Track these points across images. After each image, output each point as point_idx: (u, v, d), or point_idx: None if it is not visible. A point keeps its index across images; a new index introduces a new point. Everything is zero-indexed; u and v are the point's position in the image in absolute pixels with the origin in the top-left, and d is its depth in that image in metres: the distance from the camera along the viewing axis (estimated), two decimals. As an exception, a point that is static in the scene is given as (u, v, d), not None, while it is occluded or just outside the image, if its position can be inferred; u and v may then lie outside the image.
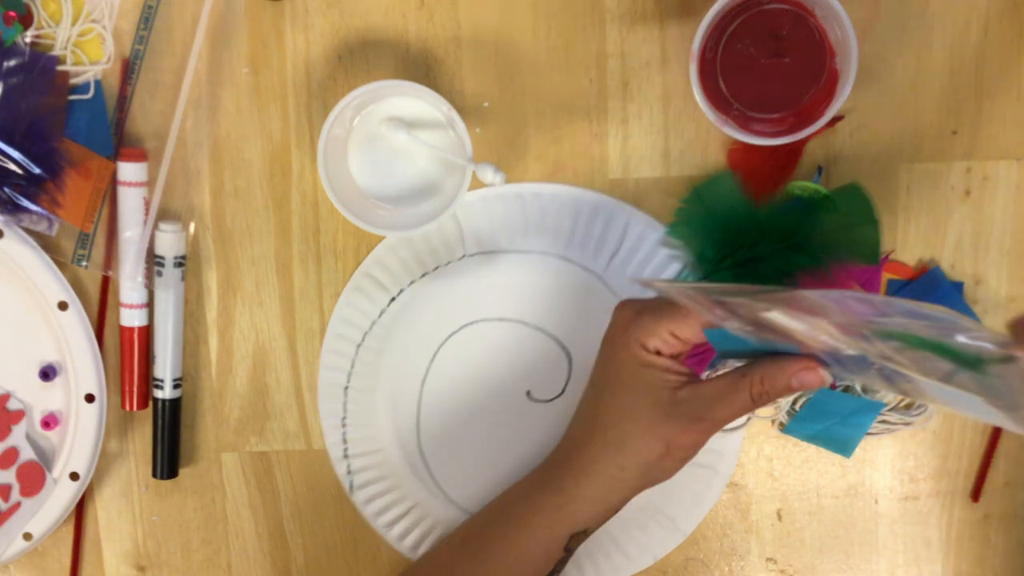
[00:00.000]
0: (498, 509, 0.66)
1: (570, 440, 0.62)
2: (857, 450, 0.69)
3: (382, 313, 0.70)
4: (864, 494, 0.71)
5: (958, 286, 0.68)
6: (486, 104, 0.68)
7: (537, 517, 0.61)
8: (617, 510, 0.61)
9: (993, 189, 0.67)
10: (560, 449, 0.63)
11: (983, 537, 0.71)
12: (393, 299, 0.70)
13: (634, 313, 0.58)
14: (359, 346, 0.71)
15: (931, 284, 0.68)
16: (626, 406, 0.58)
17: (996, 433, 0.69)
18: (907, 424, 0.69)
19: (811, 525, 0.72)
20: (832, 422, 0.68)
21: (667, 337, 0.57)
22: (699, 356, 0.68)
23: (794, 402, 0.69)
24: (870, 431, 0.68)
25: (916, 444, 0.70)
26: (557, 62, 0.67)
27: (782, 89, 0.64)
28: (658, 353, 0.57)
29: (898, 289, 0.68)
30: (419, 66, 0.68)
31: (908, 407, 0.69)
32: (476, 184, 0.65)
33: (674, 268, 0.68)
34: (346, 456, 0.72)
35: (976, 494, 0.70)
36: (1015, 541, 0.71)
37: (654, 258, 0.68)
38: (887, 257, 0.68)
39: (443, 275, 0.69)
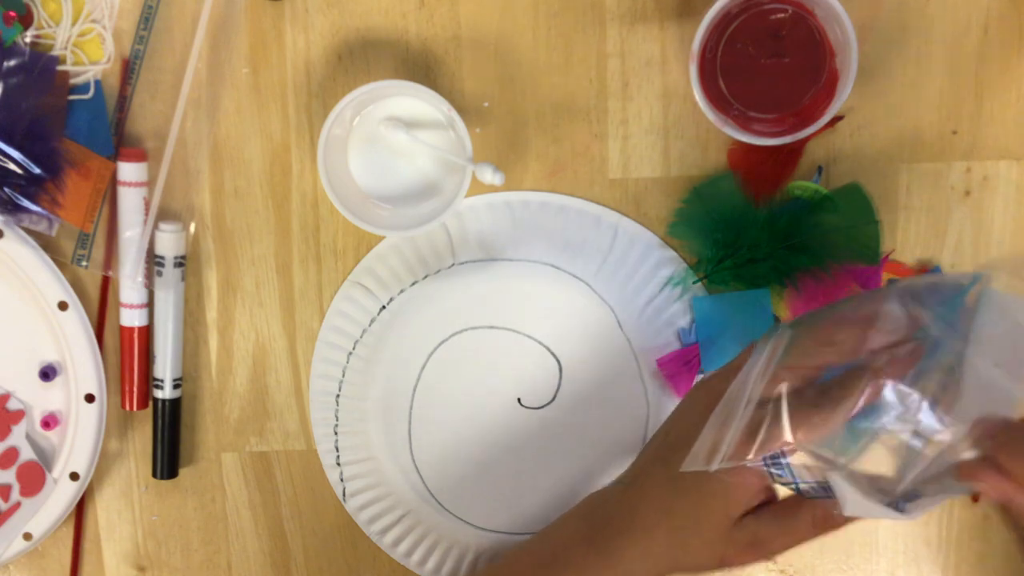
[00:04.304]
0: (537, 563, 0.63)
1: (627, 506, 0.60)
2: (857, 450, 0.69)
3: (372, 322, 0.70)
4: (864, 494, 0.71)
5: (958, 286, 0.68)
6: (486, 104, 0.68)
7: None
8: None
9: (993, 189, 0.67)
10: (610, 505, 0.61)
11: (983, 537, 0.71)
12: (383, 307, 0.70)
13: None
14: (350, 354, 0.71)
15: (931, 284, 0.68)
16: (698, 513, 0.57)
17: (996, 433, 0.69)
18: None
19: (811, 525, 0.72)
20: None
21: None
22: (685, 362, 0.69)
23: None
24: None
25: (916, 444, 0.70)
26: (557, 62, 0.67)
27: (782, 89, 0.64)
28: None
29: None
30: (419, 66, 0.68)
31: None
32: (475, 185, 0.65)
33: (663, 275, 0.68)
34: (338, 464, 0.72)
35: (976, 494, 0.70)
36: (1015, 541, 0.71)
37: (643, 265, 0.68)
38: (887, 257, 0.68)
39: (433, 284, 0.69)
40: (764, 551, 0.57)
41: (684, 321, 0.69)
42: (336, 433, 0.72)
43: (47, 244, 0.69)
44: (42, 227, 0.69)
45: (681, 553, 0.58)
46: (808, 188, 0.66)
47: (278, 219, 0.70)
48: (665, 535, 0.58)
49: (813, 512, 0.55)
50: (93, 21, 0.67)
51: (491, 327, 0.69)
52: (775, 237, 0.66)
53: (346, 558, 0.74)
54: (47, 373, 0.71)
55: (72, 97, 0.68)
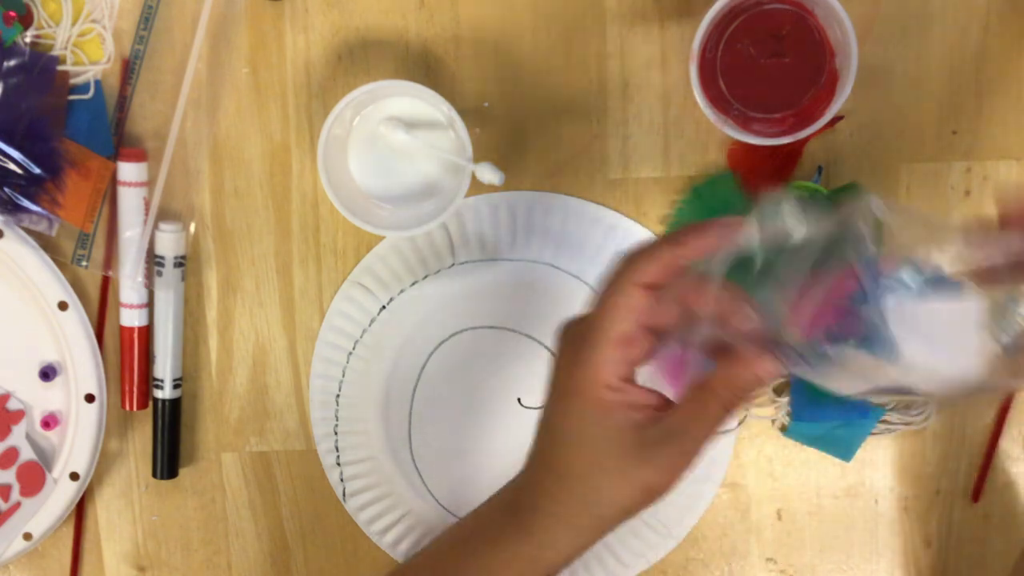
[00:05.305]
0: (460, 558, 0.57)
1: (537, 486, 0.54)
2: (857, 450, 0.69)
3: (372, 321, 0.70)
4: (864, 494, 0.71)
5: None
6: (486, 104, 0.68)
7: (509, 569, 0.54)
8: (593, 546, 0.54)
9: (993, 189, 0.67)
10: (524, 490, 0.55)
11: (983, 537, 0.71)
12: (383, 307, 0.70)
13: (576, 348, 0.51)
14: (350, 354, 0.71)
15: (931, 284, 0.67)
16: (594, 459, 0.51)
17: (996, 433, 0.69)
18: (907, 424, 0.69)
19: (811, 525, 0.72)
20: (834, 424, 0.68)
21: (623, 365, 0.50)
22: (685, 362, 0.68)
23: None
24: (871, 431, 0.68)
25: (916, 444, 0.70)
26: (557, 62, 0.67)
27: (782, 89, 0.64)
28: (623, 382, 0.50)
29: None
30: (419, 66, 0.68)
31: (908, 407, 0.69)
32: (475, 185, 0.65)
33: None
34: (338, 464, 0.72)
35: (976, 494, 0.70)
36: (1015, 541, 0.71)
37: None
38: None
39: (433, 283, 0.69)
40: (688, 455, 0.50)
41: (684, 321, 0.69)
42: (336, 433, 0.72)
43: (47, 244, 0.69)
44: (42, 227, 0.69)
45: (600, 508, 0.51)
46: (808, 188, 0.66)
47: (278, 219, 0.70)
48: (577, 502, 0.52)
49: (718, 397, 0.49)
50: (93, 21, 0.67)
51: (491, 327, 0.69)
52: (775, 237, 0.66)
53: (346, 558, 0.74)
54: (47, 373, 0.71)
55: (72, 97, 0.68)
